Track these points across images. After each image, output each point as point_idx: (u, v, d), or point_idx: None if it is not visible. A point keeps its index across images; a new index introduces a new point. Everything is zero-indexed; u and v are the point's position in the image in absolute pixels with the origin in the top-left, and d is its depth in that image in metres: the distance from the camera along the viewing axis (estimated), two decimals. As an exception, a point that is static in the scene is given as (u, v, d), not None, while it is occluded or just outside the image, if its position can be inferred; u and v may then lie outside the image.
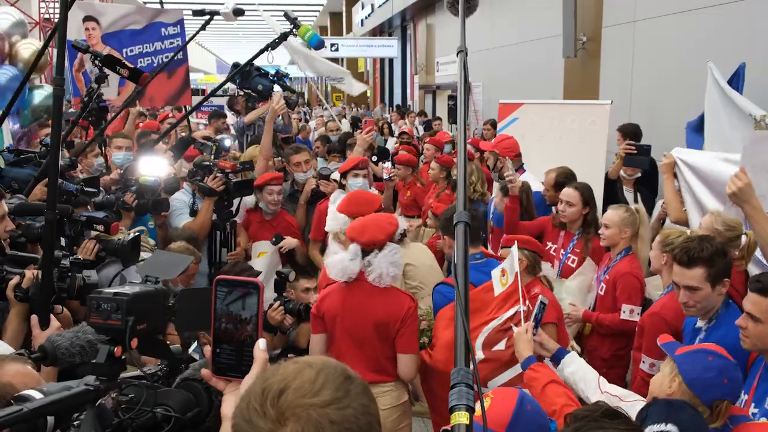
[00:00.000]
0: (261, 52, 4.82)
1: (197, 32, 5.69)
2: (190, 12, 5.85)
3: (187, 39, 7.75)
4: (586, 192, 4.57)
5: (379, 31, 24.66)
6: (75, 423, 1.32)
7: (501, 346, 3.15)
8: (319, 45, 4.66)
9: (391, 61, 24.32)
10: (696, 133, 5.50)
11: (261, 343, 1.30)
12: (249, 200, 5.17)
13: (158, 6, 7.99)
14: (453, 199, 6.55)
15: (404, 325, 3.34)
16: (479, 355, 3.17)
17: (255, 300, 1.27)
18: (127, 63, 3.97)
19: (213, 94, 6.72)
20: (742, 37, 5.93)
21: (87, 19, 7.07)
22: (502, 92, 12.49)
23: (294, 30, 4.67)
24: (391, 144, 10.27)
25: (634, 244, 4.12)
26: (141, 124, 8.53)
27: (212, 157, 5.26)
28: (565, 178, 4.92)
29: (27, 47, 6.16)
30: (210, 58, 51.97)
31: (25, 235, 3.10)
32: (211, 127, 9.06)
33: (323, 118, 15.31)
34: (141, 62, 7.47)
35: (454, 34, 12.31)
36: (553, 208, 4.90)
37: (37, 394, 1.31)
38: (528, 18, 11.47)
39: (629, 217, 4.08)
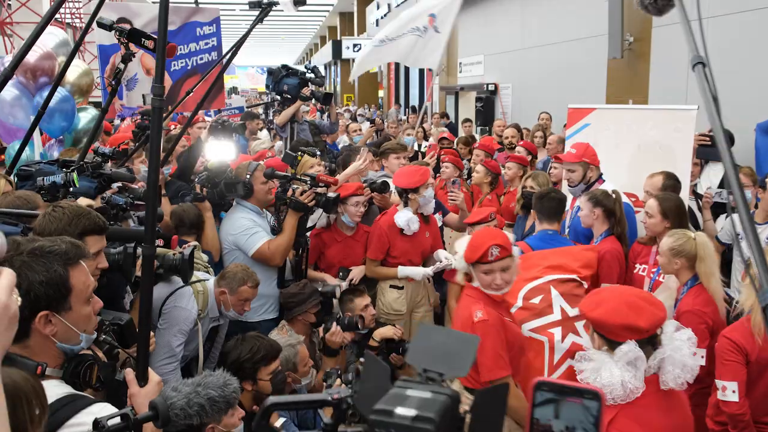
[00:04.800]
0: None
1: (253, 26, 5.33)
2: (246, 5, 5.50)
3: (222, 36, 7.44)
4: (665, 203, 4.19)
5: (395, 31, 24.27)
6: None
7: (536, 300, 3.88)
8: None
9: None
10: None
11: None
12: (319, 219, 4.81)
13: (192, 5, 7.68)
14: (493, 204, 6.21)
15: None
16: (519, 303, 3.88)
17: (592, 414, 0.91)
18: (151, 35, 3.61)
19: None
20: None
21: (120, 21, 6.77)
22: (535, 94, 12.16)
23: None
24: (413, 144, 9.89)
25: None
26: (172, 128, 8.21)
27: (294, 169, 4.88)
28: (673, 180, 4.58)
29: (73, 68, 5.95)
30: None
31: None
32: (246, 129, 8.71)
33: (344, 117, 14.93)
34: (175, 65, 7.15)
35: (477, 35, 12.08)
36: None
37: None
38: (565, 17, 11.10)
39: (680, 246, 3.63)
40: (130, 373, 2.00)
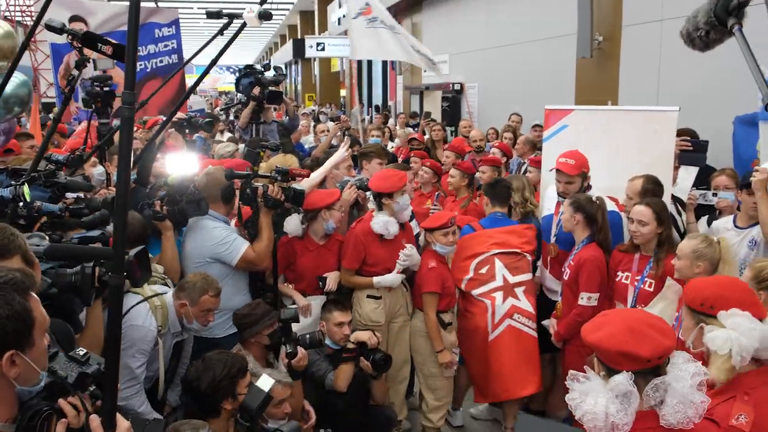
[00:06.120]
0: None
1: (213, 37, 5.01)
2: (204, 13, 5.21)
3: (180, 41, 7.15)
4: (658, 208, 4.12)
5: (357, 30, 24.00)
6: None
7: (483, 270, 4.68)
8: None
9: (369, 60, 23.71)
10: (750, 127, 5.10)
11: None
12: (293, 229, 4.59)
13: (152, 4, 7.33)
14: (480, 211, 6.05)
15: None
16: (470, 274, 4.72)
17: None
18: (109, 39, 3.31)
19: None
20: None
21: (74, 19, 6.43)
22: (502, 94, 12.07)
23: None
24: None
25: None
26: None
27: (257, 166, 4.64)
28: (653, 184, 4.46)
29: None
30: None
31: (56, 285, 2.50)
32: (213, 127, 8.40)
33: (308, 118, 14.64)
34: (132, 67, 6.84)
35: (442, 33, 11.98)
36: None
37: None
38: (533, 16, 11.04)
39: (704, 249, 3.53)
40: (94, 420, 1.75)
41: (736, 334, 2.36)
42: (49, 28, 3.53)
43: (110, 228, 3.26)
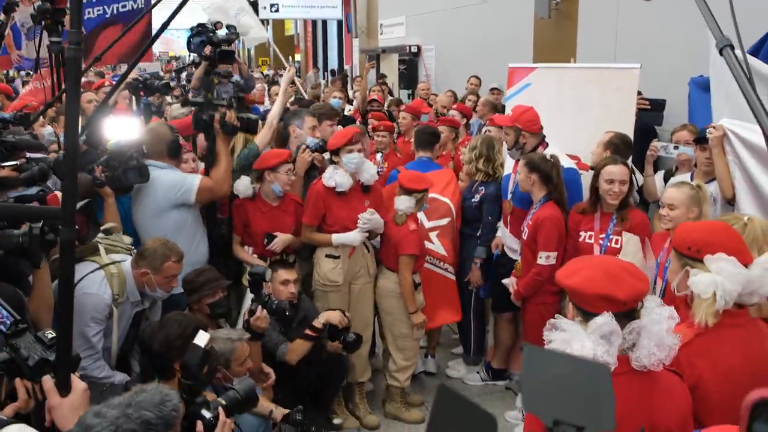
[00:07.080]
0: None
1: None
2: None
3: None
4: (628, 166, 4.18)
5: (311, -9, 23.48)
6: None
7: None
8: None
9: (324, 23, 23.27)
10: (705, 91, 5.13)
11: None
12: (243, 189, 4.47)
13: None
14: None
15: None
16: None
17: None
18: None
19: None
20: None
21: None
22: (459, 56, 11.97)
23: None
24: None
25: None
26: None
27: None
28: (621, 141, 4.54)
29: None
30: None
31: (2, 247, 2.36)
32: (155, 98, 8.11)
33: (263, 82, 14.32)
34: (89, 13, 6.39)
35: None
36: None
37: None
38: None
39: (695, 195, 3.62)
40: (48, 381, 1.65)
41: (720, 278, 2.38)
42: None
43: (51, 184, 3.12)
